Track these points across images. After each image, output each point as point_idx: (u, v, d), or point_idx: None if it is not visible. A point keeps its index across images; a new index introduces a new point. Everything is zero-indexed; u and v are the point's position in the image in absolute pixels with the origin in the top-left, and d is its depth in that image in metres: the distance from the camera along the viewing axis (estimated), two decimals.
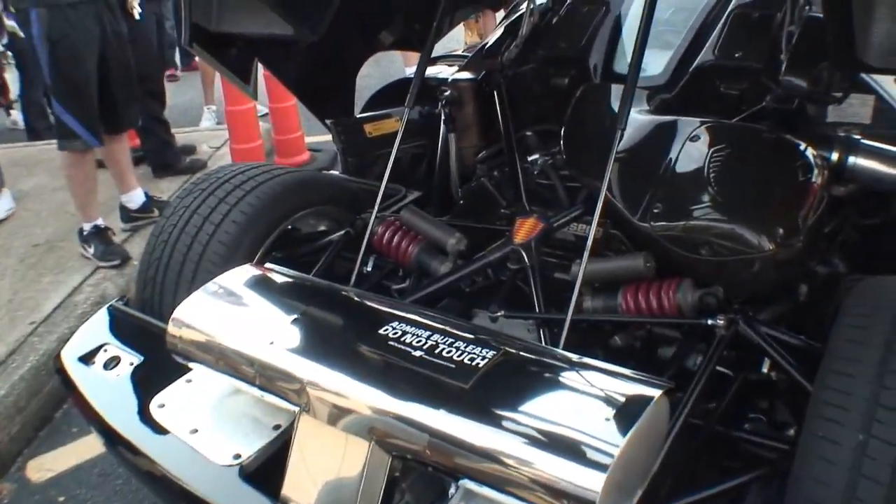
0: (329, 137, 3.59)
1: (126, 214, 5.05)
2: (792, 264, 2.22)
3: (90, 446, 3.27)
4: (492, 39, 3.63)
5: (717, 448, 1.99)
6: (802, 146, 2.27)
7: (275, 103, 6.38)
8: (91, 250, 4.60)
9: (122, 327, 2.50)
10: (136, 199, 5.03)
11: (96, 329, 2.50)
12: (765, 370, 2.07)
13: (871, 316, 1.66)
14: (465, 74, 3.42)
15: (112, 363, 2.33)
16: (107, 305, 2.61)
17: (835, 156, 2.34)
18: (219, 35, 2.85)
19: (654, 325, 2.29)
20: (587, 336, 2.31)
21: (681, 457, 1.83)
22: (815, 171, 2.21)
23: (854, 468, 1.45)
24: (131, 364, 2.31)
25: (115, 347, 2.40)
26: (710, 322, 2.07)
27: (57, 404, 3.70)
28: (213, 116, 7.78)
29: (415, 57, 7.73)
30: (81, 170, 4.51)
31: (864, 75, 2.60)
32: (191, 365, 2.05)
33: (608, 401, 1.57)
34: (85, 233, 4.65)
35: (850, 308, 1.74)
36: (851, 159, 2.33)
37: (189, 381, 2.15)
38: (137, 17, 5.11)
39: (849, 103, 2.67)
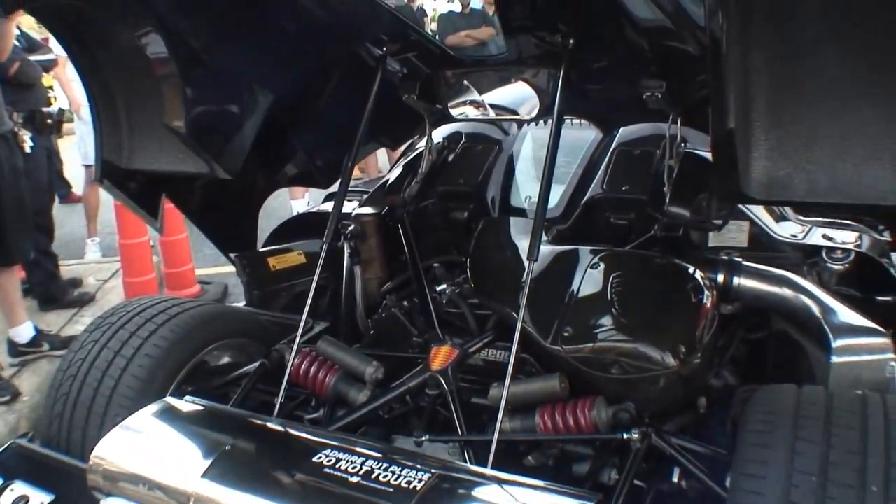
0: (217, 270, 3.60)
1: (14, 349, 4.86)
2: (693, 379, 2.36)
3: None
4: (392, 176, 3.80)
5: None
6: (692, 269, 2.45)
7: (166, 236, 6.28)
8: None
9: (28, 465, 2.40)
10: (24, 332, 4.86)
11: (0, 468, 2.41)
12: (675, 479, 2.17)
13: (773, 422, 1.80)
14: (368, 209, 3.54)
15: (21, 502, 2.24)
16: (9, 442, 2.52)
17: (721, 277, 2.54)
18: (129, 172, 2.89)
19: (572, 442, 2.37)
20: (503, 457, 2.37)
21: None
22: (706, 292, 2.38)
23: None
24: (42, 503, 2.23)
25: (22, 486, 2.30)
26: (625, 436, 2.18)
27: None
28: (97, 248, 7.64)
29: (299, 191, 7.89)
30: None
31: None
32: (110, 501, 2.01)
33: None
34: None
35: (752, 416, 1.87)
36: (736, 280, 2.54)
37: None
38: (28, 150, 5.05)
39: (727, 229, 2.93)
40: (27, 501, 2.24)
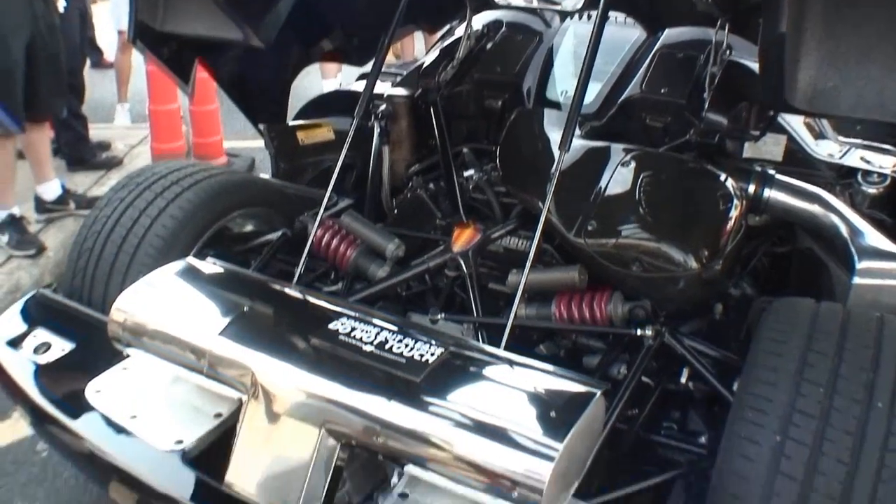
0: (246, 144, 3.59)
1: (41, 205, 4.91)
2: (712, 283, 2.37)
3: (1, 434, 3.18)
4: (428, 60, 3.74)
5: (637, 451, 2.11)
6: (723, 177, 2.42)
7: (197, 106, 6.30)
8: (5, 239, 4.46)
9: (52, 314, 2.46)
10: (52, 189, 4.90)
11: (24, 314, 2.46)
12: (683, 380, 2.20)
13: (788, 332, 1.80)
14: (401, 91, 3.51)
15: (42, 348, 2.30)
16: (34, 291, 2.57)
17: (752, 188, 2.51)
18: (162, 34, 2.86)
19: (585, 333, 2.40)
20: (515, 342, 2.40)
21: (607, 457, 1.93)
22: (735, 201, 2.36)
23: (772, 466, 1.58)
24: (63, 350, 2.29)
25: (45, 333, 2.36)
26: (639, 332, 2.20)
27: None
28: (127, 114, 7.63)
29: (331, 69, 7.81)
30: (1, 156, 4.39)
31: (780, 117, 2.80)
32: (129, 352, 2.05)
33: (553, 397, 1.68)
34: None
35: (768, 324, 1.87)
36: (767, 192, 2.50)
37: (125, 368, 2.14)
38: (62, 9, 5.01)
39: (763, 142, 2.87)
40: (48, 348, 2.30)
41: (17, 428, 3.19)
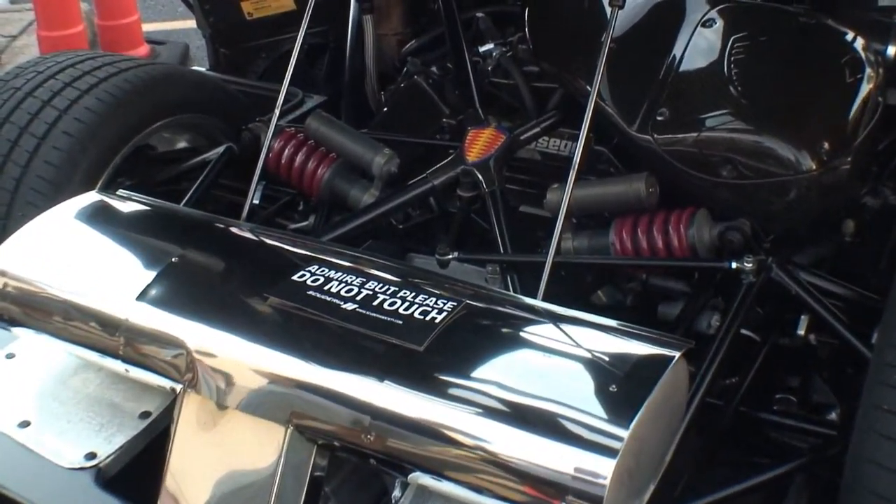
0: (174, 25, 3.57)
1: None
2: (838, 191, 2.33)
3: None
4: None
5: (739, 435, 2.10)
6: (850, 36, 2.38)
7: None
8: None
9: None
10: None
11: None
12: (801, 332, 2.18)
13: None
14: None
15: None
16: None
17: (892, 50, 2.45)
18: None
19: (659, 270, 2.39)
20: (562, 289, 2.39)
21: (697, 445, 1.92)
22: (868, 70, 2.32)
23: None
24: None
25: None
26: (734, 265, 2.16)
27: None
28: None
29: None
30: None
31: None
32: (15, 332, 2.04)
33: (611, 366, 1.65)
34: None
35: None
36: None
37: (11, 355, 2.14)
38: None
39: None
40: None
41: None
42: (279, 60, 3.52)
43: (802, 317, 2.17)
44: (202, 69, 3.67)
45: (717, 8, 2.47)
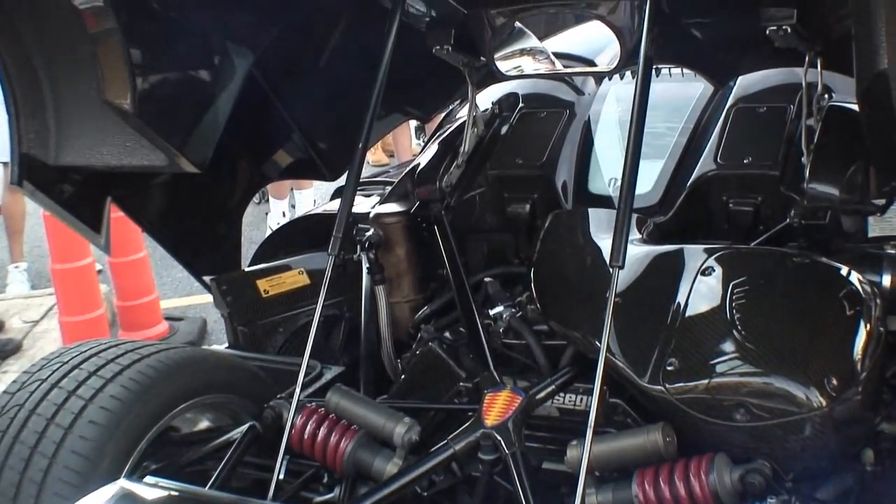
0: (191, 301, 3.62)
1: None
2: (852, 423, 2.35)
3: None
4: (424, 158, 3.79)
5: None
6: (844, 271, 2.44)
7: (116, 257, 6.26)
8: None
9: None
10: None
11: None
12: None
13: None
14: (392, 207, 3.57)
15: None
16: None
17: (888, 279, 2.53)
18: (58, 169, 2.90)
19: None
20: None
21: None
22: (866, 301, 2.37)
23: None
24: None
25: None
26: None
27: None
28: (24, 278, 7.73)
29: (283, 186, 7.86)
30: None
31: None
32: None
33: None
34: None
35: None
36: None
37: None
38: None
39: (892, 212, 2.90)
40: None
41: None
42: (298, 333, 3.56)
43: None
44: (221, 347, 3.71)
45: (715, 256, 2.55)
